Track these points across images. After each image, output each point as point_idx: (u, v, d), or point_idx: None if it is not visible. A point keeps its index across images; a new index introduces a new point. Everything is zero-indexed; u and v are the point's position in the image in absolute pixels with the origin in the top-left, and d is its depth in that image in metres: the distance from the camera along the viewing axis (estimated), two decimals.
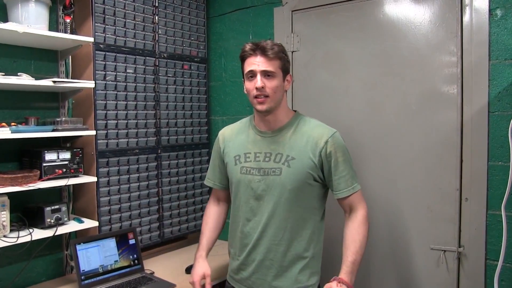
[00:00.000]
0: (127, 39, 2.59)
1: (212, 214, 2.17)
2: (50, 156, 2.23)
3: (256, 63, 1.79)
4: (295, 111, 1.99)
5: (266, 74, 1.78)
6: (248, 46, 1.83)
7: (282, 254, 1.86)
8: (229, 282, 2.07)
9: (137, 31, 2.64)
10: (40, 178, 2.17)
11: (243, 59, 1.87)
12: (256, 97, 1.81)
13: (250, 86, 1.83)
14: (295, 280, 1.86)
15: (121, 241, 2.46)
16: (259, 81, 1.78)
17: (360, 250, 1.80)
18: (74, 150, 2.34)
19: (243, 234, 1.93)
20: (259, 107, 1.82)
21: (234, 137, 2.03)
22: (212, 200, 2.21)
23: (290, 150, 1.84)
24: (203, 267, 2.03)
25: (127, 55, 2.59)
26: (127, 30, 2.59)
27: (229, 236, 2.06)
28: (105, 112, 2.49)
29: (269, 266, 1.88)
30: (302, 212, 1.86)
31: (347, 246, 1.82)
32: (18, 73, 2.17)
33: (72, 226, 2.32)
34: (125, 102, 2.59)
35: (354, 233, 1.83)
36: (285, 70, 1.86)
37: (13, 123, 2.17)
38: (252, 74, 1.81)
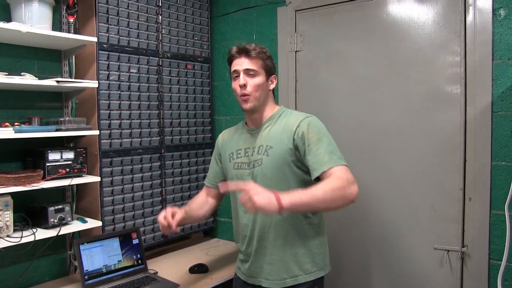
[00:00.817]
0: (131, 39, 2.59)
1: (198, 198, 2.22)
2: (53, 156, 2.23)
3: (239, 63, 1.93)
4: (280, 106, 2.07)
5: (248, 72, 1.91)
6: (234, 50, 1.96)
7: (272, 243, 1.91)
8: (236, 273, 2.13)
9: (140, 31, 2.64)
10: (44, 178, 2.17)
11: (230, 61, 1.99)
12: (240, 95, 1.93)
13: (235, 85, 1.95)
14: (287, 270, 1.91)
15: (125, 241, 2.45)
16: (241, 79, 1.91)
17: (315, 193, 1.64)
18: (78, 150, 2.34)
19: (242, 226, 2.00)
20: (243, 105, 1.94)
21: (231, 138, 2.13)
22: (202, 192, 2.25)
23: (269, 140, 1.92)
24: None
25: (131, 55, 2.59)
26: (130, 30, 2.59)
27: (234, 232, 2.12)
28: (109, 112, 2.49)
29: (263, 254, 1.94)
30: None
31: None
32: (22, 73, 2.16)
33: (75, 226, 2.32)
34: (129, 102, 2.59)
35: (321, 183, 1.69)
36: (268, 70, 1.97)
37: (16, 123, 2.16)
38: (237, 74, 1.94)
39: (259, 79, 1.92)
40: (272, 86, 2.01)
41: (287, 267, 1.90)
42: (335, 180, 1.69)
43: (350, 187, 1.69)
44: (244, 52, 1.92)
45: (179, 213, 1.95)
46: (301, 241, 1.91)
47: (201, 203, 2.19)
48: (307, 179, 1.87)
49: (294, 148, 1.85)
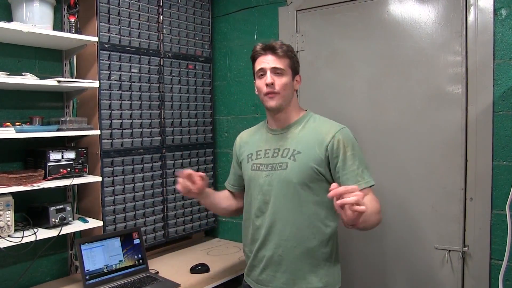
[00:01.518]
0: (132, 38, 2.59)
1: (224, 192, 2.21)
2: (54, 155, 2.23)
3: (266, 61, 1.85)
4: (306, 110, 2.00)
5: (275, 71, 1.83)
6: (258, 46, 1.88)
7: (291, 251, 1.84)
8: (244, 280, 2.06)
9: (141, 31, 2.64)
10: (45, 178, 2.17)
11: (254, 59, 1.91)
12: (266, 94, 1.85)
13: (260, 84, 1.87)
14: (304, 280, 1.84)
15: (126, 240, 2.45)
16: (269, 77, 1.83)
17: (374, 211, 1.67)
18: (79, 149, 2.34)
19: (254, 230, 1.94)
20: (269, 103, 1.86)
21: (250, 138, 2.08)
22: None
23: (297, 145, 1.86)
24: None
25: (132, 55, 2.59)
26: (131, 29, 2.59)
27: (243, 234, 2.06)
28: (110, 111, 2.49)
29: (278, 262, 1.86)
30: (311, 208, 1.83)
31: None
32: (23, 73, 2.16)
33: (76, 226, 2.32)
34: (130, 102, 2.59)
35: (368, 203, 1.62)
36: (294, 69, 1.90)
37: (17, 123, 2.17)
38: (263, 72, 1.86)
39: (286, 78, 1.85)
40: (297, 86, 1.94)
41: (305, 278, 1.84)
42: (376, 204, 1.73)
43: (380, 214, 1.75)
44: (270, 49, 1.85)
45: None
46: (321, 252, 1.85)
47: (227, 196, 2.16)
48: (327, 187, 1.76)
49: (325, 158, 1.81)
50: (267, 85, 1.83)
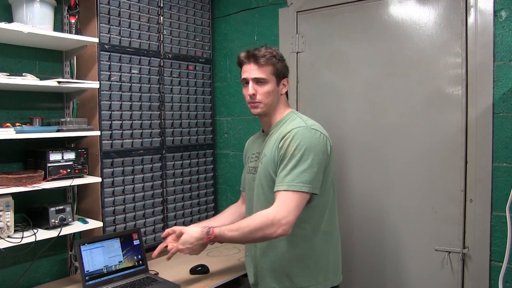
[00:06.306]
0: (132, 39, 2.59)
1: (229, 208, 2.31)
2: (54, 156, 2.23)
3: (248, 70, 1.90)
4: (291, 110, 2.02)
5: (257, 81, 1.88)
6: (242, 54, 1.93)
7: (268, 251, 1.90)
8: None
9: (142, 32, 2.64)
10: (45, 179, 2.17)
11: (240, 66, 1.97)
12: (250, 103, 1.93)
13: (244, 92, 1.94)
14: (278, 281, 1.88)
15: (126, 241, 2.44)
16: (250, 88, 1.88)
17: (236, 236, 1.78)
18: (79, 150, 2.34)
19: None
20: (252, 111, 1.95)
21: (252, 142, 2.17)
22: (239, 200, 2.34)
23: (266, 148, 1.92)
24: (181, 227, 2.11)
25: (132, 56, 2.59)
26: (132, 30, 2.59)
27: None
28: (110, 112, 2.49)
29: (265, 265, 1.93)
30: None
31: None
32: (23, 74, 2.16)
33: (76, 227, 2.31)
34: (130, 103, 2.59)
35: (244, 222, 1.80)
36: (279, 74, 1.92)
37: (17, 124, 2.16)
38: (246, 81, 1.92)
39: (269, 86, 1.88)
40: (284, 90, 1.97)
41: (278, 279, 1.88)
42: (259, 220, 1.72)
43: (272, 228, 1.68)
44: (252, 58, 1.88)
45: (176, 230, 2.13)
46: (291, 253, 1.85)
47: (232, 211, 2.27)
48: None
49: (277, 159, 1.81)
50: (249, 95, 1.89)
